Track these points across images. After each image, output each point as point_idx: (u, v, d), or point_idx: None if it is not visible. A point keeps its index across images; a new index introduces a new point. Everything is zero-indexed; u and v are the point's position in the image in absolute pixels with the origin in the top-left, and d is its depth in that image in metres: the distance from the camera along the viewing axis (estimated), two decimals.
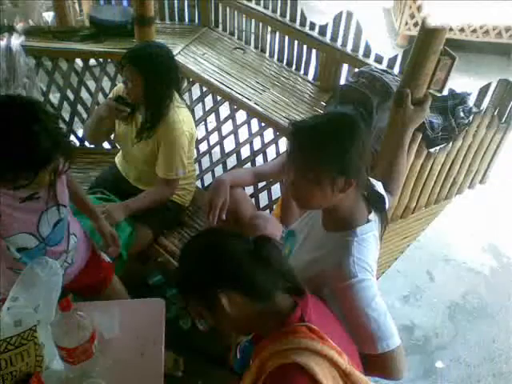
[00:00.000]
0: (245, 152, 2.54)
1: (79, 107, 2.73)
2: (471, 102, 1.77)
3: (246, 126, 2.49)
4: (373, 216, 1.26)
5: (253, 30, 2.60)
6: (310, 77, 2.45)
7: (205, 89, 2.50)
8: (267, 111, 2.19)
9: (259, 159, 2.48)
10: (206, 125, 2.75)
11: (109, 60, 2.63)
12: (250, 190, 2.39)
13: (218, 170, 2.70)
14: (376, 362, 1.18)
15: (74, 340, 1.26)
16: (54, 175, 1.32)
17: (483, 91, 1.80)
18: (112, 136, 2.43)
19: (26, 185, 1.24)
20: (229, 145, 2.61)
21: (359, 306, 1.15)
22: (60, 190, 1.45)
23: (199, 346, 2.25)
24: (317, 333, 1.02)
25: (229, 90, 2.29)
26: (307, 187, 1.16)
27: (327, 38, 2.29)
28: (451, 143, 1.77)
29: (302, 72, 2.48)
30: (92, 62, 2.70)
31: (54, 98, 2.75)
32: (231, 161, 2.65)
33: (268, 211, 2.47)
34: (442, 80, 1.67)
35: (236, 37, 2.69)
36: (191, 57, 2.50)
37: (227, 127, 2.57)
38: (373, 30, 4.96)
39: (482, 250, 3.08)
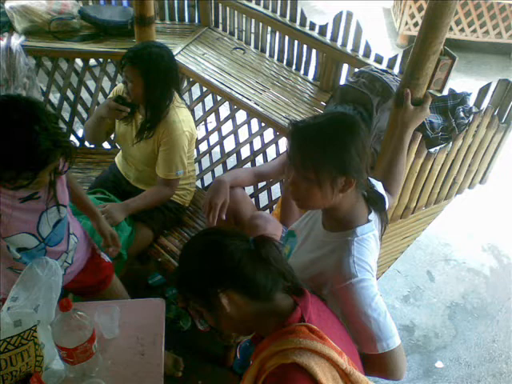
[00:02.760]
0: (245, 152, 2.54)
1: (79, 107, 2.74)
2: (471, 102, 1.77)
3: (246, 126, 2.49)
4: (373, 216, 1.26)
5: (253, 30, 2.60)
6: (310, 77, 2.45)
7: (205, 89, 2.50)
8: (267, 111, 2.19)
9: (259, 159, 2.48)
10: (206, 125, 2.75)
11: (109, 60, 2.63)
12: (250, 190, 2.39)
13: (218, 170, 2.70)
14: (376, 361, 1.18)
15: (74, 340, 1.26)
16: (54, 175, 1.32)
17: (483, 91, 1.80)
18: (112, 136, 2.43)
19: (26, 185, 1.24)
20: (229, 145, 2.61)
21: (359, 306, 1.15)
22: (60, 190, 1.45)
23: (199, 345, 2.25)
24: (317, 333, 1.01)
25: (229, 90, 2.29)
26: (307, 187, 1.16)
27: (327, 38, 2.29)
28: (451, 143, 1.77)
29: (302, 72, 2.48)
30: (92, 61, 2.70)
31: (54, 98, 2.75)
32: (231, 161, 2.65)
33: (268, 211, 2.47)
34: (442, 80, 1.67)
35: (236, 37, 2.69)
36: (191, 57, 2.50)
37: (227, 127, 2.57)
38: (373, 30, 4.97)
39: (482, 250, 3.08)
